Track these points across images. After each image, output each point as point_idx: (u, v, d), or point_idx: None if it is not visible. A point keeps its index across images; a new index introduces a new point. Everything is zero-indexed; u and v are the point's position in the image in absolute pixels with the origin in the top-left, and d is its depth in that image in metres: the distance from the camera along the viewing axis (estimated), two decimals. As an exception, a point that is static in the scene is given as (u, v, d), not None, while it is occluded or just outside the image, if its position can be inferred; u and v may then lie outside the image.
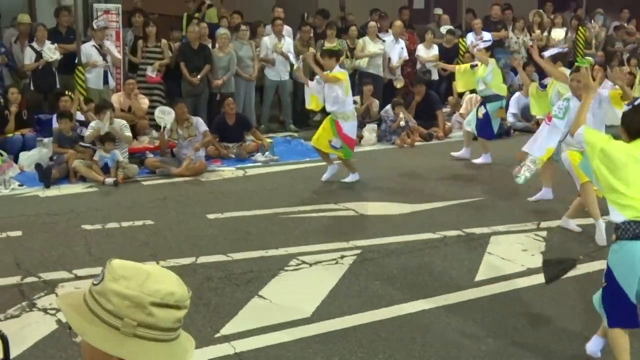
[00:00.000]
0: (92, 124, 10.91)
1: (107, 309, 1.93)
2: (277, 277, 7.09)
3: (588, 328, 6.06)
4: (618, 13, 18.73)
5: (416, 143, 13.49)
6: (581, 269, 7.35)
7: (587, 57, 16.09)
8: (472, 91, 14.42)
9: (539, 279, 7.08)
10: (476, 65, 12.07)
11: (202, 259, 7.51)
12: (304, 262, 7.47)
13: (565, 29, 17.25)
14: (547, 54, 10.62)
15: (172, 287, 1.98)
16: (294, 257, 7.60)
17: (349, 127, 10.46)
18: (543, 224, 8.77)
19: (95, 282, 1.97)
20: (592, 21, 17.89)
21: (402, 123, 13.39)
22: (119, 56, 13.24)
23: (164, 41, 13.41)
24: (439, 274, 7.22)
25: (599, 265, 7.45)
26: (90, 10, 13.72)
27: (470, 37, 15.92)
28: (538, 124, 14.74)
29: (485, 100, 11.93)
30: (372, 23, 15.14)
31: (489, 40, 12.21)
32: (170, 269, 2.58)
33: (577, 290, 6.90)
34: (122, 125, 11.02)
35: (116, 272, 1.95)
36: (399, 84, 14.99)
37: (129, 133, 11.12)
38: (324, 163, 10.86)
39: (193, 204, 9.58)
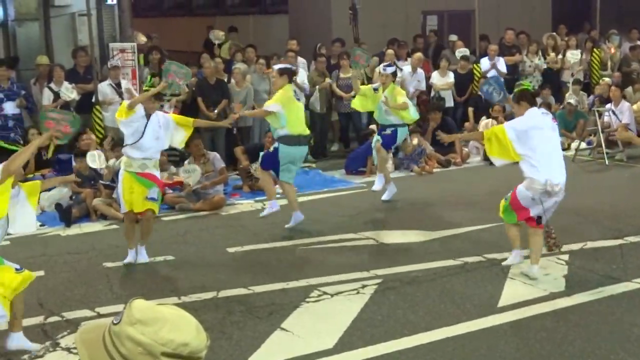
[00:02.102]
0: (109, 162, 10.97)
1: (120, 352, 1.93)
2: (298, 308, 7.08)
3: (614, 351, 6.00)
4: (628, 33, 18.70)
5: (434, 170, 13.47)
6: (605, 291, 7.32)
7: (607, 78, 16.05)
8: (488, 116, 14.41)
9: (563, 302, 7.07)
10: (377, 88, 11.15)
11: (224, 293, 7.52)
12: (325, 293, 7.45)
13: (579, 50, 17.24)
14: (275, 66, 10.31)
15: (187, 338, 1.95)
16: (315, 288, 7.58)
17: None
18: (564, 247, 8.70)
19: (115, 322, 1.96)
20: (607, 42, 17.86)
21: (415, 142, 13.36)
22: (136, 94, 13.34)
23: (179, 77, 13.51)
24: (461, 300, 7.18)
25: (623, 287, 7.41)
26: (107, 49, 13.88)
27: (484, 63, 15.97)
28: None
29: (382, 128, 11.16)
30: (390, 51, 15.18)
31: (393, 66, 11.36)
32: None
33: (601, 314, 6.83)
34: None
35: (134, 316, 1.94)
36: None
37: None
38: (344, 193, 10.83)
39: (213, 238, 9.60)
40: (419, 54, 15.53)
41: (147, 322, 1.93)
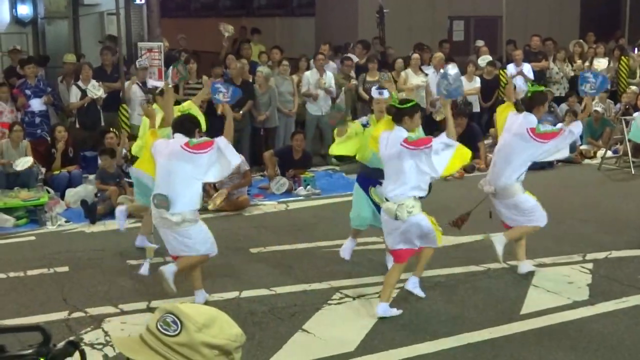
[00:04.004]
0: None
1: None
2: (320, 310, 7.09)
3: (638, 361, 5.95)
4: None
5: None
6: (629, 301, 7.26)
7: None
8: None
9: (586, 311, 7.02)
10: (367, 124, 8.07)
11: (246, 293, 7.54)
12: (347, 296, 7.45)
13: (607, 58, 17.10)
14: None
15: (239, 328, 2.00)
16: (337, 290, 7.59)
17: None
18: (589, 256, 8.65)
19: (170, 333, 1.92)
20: (637, 50, 17.70)
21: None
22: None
23: (205, 77, 13.58)
24: (484, 307, 7.15)
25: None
26: (134, 48, 13.98)
27: (511, 68, 15.90)
28: (582, 154, 14.68)
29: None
30: (416, 55, 15.14)
31: (385, 90, 8.19)
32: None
33: (625, 323, 6.78)
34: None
35: (198, 322, 1.92)
36: (438, 117, 14.95)
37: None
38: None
39: (236, 238, 9.62)
40: (439, 54, 15.45)
41: (209, 324, 1.94)
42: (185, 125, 7.16)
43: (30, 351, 2.15)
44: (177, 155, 6.92)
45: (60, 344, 2.17)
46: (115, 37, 13.74)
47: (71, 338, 2.24)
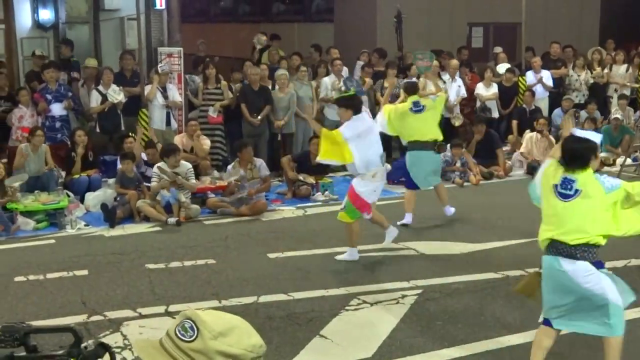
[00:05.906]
0: (156, 169, 10.98)
1: None
2: (338, 316, 7.10)
3: (657, 371, 5.92)
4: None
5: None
6: (649, 310, 7.21)
7: None
8: (532, 129, 14.28)
9: (605, 320, 6.96)
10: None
11: (264, 298, 7.56)
12: (364, 302, 7.46)
13: (626, 65, 17.03)
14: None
15: (259, 339, 1.99)
16: (354, 296, 7.59)
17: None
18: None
19: (186, 339, 1.92)
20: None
21: (458, 164, 13.34)
22: (180, 99, 13.49)
23: (223, 82, 13.65)
24: (501, 314, 7.13)
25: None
26: (154, 53, 14.06)
27: (530, 76, 15.87)
28: (601, 162, 14.56)
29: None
30: (436, 62, 15.15)
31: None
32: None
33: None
34: (187, 170, 11.10)
35: (214, 329, 1.92)
36: (457, 122, 14.93)
37: (193, 179, 11.21)
38: (386, 202, 10.77)
39: (254, 243, 9.66)
40: (455, 61, 15.44)
41: (226, 333, 1.93)
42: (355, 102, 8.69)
43: (61, 352, 2.18)
44: (371, 129, 8.65)
45: (91, 345, 2.20)
46: (131, 51, 13.85)
47: (102, 340, 2.25)
